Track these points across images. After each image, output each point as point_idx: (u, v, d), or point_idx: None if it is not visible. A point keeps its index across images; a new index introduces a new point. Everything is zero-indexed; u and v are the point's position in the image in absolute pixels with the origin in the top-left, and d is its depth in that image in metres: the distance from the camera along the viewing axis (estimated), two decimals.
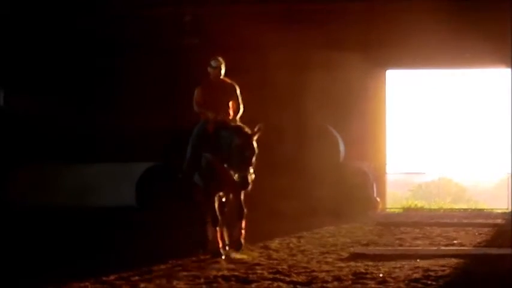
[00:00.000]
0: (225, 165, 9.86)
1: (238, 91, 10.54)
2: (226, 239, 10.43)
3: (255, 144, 9.65)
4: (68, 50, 21.95)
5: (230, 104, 10.55)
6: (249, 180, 9.55)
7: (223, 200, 10.60)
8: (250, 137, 9.66)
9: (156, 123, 20.97)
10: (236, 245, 10.15)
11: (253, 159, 9.61)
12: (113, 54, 21.97)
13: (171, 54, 21.87)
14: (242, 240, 10.14)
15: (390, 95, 22.55)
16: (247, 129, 9.77)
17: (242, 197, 10.22)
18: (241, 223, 10.16)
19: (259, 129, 9.68)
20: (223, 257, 9.85)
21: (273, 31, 20.89)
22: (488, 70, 24.00)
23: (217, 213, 10.16)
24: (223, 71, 10.54)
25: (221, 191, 10.35)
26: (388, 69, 22.05)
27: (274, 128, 19.90)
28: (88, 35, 21.58)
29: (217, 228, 10.13)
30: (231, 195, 10.48)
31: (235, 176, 9.68)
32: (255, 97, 20.75)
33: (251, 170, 9.61)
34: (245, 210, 10.21)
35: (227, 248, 10.27)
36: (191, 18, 21.25)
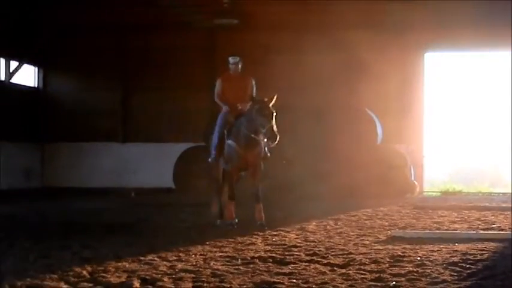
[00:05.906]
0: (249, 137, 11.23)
1: (253, 83, 12.03)
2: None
3: (271, 105, 11.03)
4: (105, 30, 22.05)
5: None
6: (276, 133, 10.71)
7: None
8: (266, 102, 11.05)
9: (196, 103, 21.04)
10: (260, 226, 11.30)
11: (273, 118, 10.87)
12: (151, 34, 22.03)
13: (210, 35, 21.89)
14: (263, 222, 11.43)
15: (429, 78, 22.37)
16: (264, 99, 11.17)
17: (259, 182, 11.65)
18: (259, 205, 11.55)
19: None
20: (235, 226, 11.37)
21: (310, 12, 20.80)
22: None
23: (234, 189, 11.71)
24: (240, 66, 12.02)
25: (241, 171, 11.90)
26: (426, 51, 21.85)
27: (312, 111, 19.91)
28: (126, 15, 21.64)
29: (233, 202, 11.62)
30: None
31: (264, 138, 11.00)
32: (293, 79, 20.88)
33: (274, 127, 10.79)
34: (260, 194, 11.55)
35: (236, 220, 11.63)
36: None
